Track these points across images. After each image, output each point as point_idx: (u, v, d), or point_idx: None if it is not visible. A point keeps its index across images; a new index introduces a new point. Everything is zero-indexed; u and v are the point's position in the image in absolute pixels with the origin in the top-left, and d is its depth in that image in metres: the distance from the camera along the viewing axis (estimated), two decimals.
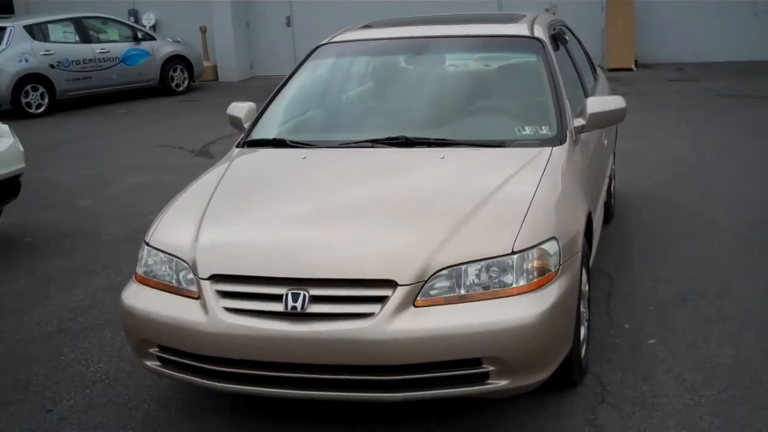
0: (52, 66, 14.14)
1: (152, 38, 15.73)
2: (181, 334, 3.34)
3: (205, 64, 17.19)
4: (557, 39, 5.12)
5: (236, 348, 3.23)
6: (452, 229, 3.37)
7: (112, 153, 10.69)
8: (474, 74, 5.07)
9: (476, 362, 3.17)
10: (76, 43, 14.62)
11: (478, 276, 3.24)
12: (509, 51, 4.97)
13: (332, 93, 5.02)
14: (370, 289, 3.19)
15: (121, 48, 15.13)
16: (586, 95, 5.24)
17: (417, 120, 4.57)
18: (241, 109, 4.85)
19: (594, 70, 6.32)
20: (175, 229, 3.70)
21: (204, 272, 3.37)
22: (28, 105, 13.89)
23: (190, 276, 3.41)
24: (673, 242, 5.85)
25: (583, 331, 3.83)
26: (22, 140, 6.67)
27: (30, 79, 13.87)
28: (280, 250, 3.39)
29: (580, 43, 6.07)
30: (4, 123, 6.63)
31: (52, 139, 11.73)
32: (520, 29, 4.95)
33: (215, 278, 3.35)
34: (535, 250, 3.32)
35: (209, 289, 3.33)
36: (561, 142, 4.16)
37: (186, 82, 16.09)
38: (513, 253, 3.27)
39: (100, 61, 14.82)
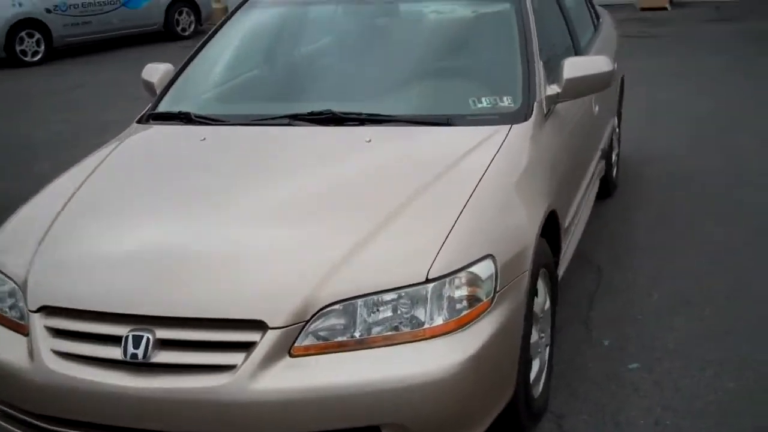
0: (48, 10, 13.42)
1: None
2: (3, 381, 2.62)
3: (215, 5, 16.31)
4: None
5: (60, 405, 2.50)
6: (352, 248, 2.57)
7: (99, 106, 9.96)
8: (427, 30, 4.13)
9: (373, 431, 2.41)
10: None
11: (379, 312, 2.46)
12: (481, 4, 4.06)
13: (254, 55, 4.19)
14: (234, 332, 2.43)
15: None
16: (578, 52, 4.36)
17: (351, 88, 3.73)
18: (155, 72, 4.06)
19: (595, 17, 5.39)
20: (18, 240, 2.96)
21: (33, 302, 2.63)
22: (23, 53, 13.22)
23: (22, 304, 2.68)
24: (684, 225, 4.97)
25: (536, 364, 3.03)
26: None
27: (24, 24, 13.17)
28: (127, 276, 2.62)
29: None
30: None
31: (40, 90, 11.04)
32: None
33: (46, 310, 2.61)
34: (461, 275, 2.52)
35: (37, 324, 2.59)
36: (525, 117, 3.31)
37: (192, 26, 15.30)
38: (428, 281, 2.48)
39: (101, 5, 14.07)
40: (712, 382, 3.32)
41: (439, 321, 2.47)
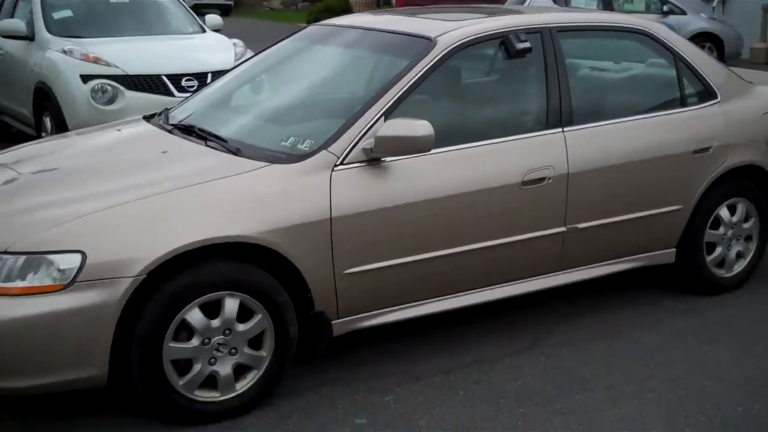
0: None
1: (682, 12, 14.83)
2: None
3: (758, 45, 15.51)
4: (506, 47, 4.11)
5: None
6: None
7: None
8: (328, 66, 4.49)
9: None
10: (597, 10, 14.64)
11: None
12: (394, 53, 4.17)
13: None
14: None
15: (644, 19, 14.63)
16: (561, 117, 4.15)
17: (229, 110, 4.41)
18: None
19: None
20: None
21: None
22: None
23: None
24: None
25: (198, 368, 3.39)
26: None
27: None
28: None
29: None
30: None
31: None
32: (421, 26, 4.20)
33: None
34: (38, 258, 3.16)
35: None
36: (299, 160, 3.58)
37: None
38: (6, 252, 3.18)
39: None
40: None
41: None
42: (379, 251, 3.69)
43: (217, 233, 3.34)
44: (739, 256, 4.79)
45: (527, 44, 4.10)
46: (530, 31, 4.19)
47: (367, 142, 3.63)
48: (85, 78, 7.12)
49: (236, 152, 3.73)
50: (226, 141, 3.87)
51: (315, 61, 4.56)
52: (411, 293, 3.86)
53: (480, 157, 3.92)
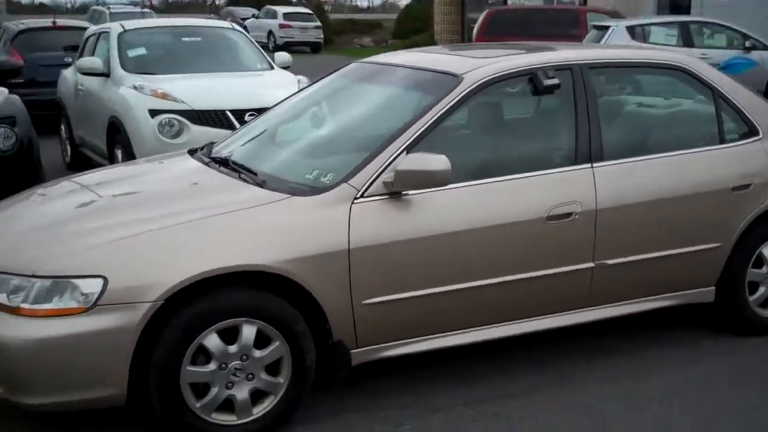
0: None
1: (765, 47, 14.49)
2: None
3: None
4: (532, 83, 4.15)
5: None
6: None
7: None
8: (359, 104, 4.57)
9: None
10: (677, 46, 14.44)
11: None
12: (423, 89, 4.24)
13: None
14: None
15: (725, 54, 14.36)
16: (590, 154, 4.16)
17: (267, 145, 4.53)
18: None
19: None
20: None
21: None
22: None
23: None
24: None
25: (216, 392, 3.50)
26: None
27: None
28: None
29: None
30: None
31: None
32: (451, 63, 4.27)
33: None
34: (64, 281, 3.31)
35: None
36: (318, 192, 3.69)
37: None
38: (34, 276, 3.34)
39: None
40: None
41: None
42: (399, 283, 3.74)
43: (235, 262, 3.46)
44: None
45: (555, 81, 4.11)
46: (560, 68, 4.20)
47: (388, 176, 3.70)
48: (153, 113, 7.40)
49: (262, 184, 3.85)
50: (256, 174, 4.00)
51: (350, 97, 4.69)
52: (431, 325, 3.89)
53: (503, 192, 3.95)
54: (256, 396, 3.59)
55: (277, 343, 3.56)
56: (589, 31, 14.94)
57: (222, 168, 4.20)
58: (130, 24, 8.99)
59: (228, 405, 3.55)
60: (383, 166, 3.73)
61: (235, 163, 4.21)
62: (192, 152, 4.70)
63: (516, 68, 4.16)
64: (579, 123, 4.16)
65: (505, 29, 16.99)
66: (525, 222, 3.93)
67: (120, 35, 8.56)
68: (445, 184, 3.70)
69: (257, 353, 3.54)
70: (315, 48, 33.08)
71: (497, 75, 4.09)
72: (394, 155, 3.75)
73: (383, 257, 3.69)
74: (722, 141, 4.50)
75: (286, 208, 3.65)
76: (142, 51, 8.46)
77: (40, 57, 12.17)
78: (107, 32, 8.81)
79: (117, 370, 3.36)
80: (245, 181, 3.95)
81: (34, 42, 12.90)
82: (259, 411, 3.58)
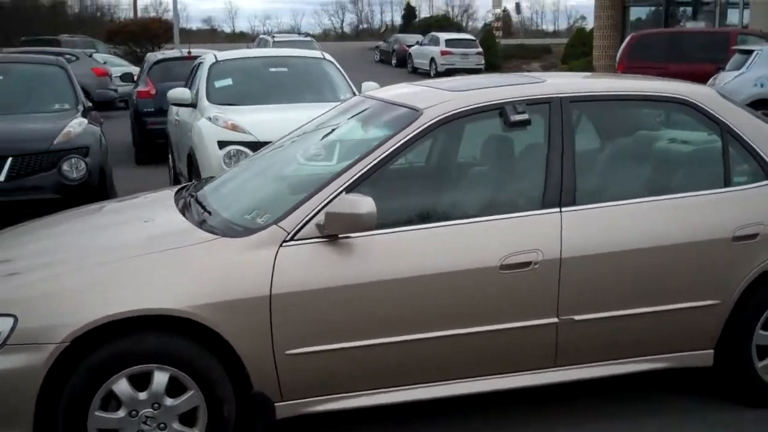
0: None
1: None
2: None
3: None
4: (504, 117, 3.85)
5: None
6: None
7: None
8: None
9: None
10: None
11: None
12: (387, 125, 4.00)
13: None
14: None
15: None
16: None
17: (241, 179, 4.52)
18: None
19: None
20: None
21: None
22: None
23: None
24: None
25: None
26: None
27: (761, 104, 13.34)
28: None
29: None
30: None
31: None
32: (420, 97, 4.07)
33: None
34: None
35: None
36: (250, 233, 3.57)
37: None
38: None
39: None
40: None
41: None
42: (328, 333, 3.55)
43: (139, 306, 3.39)
44: None
45: (524, 116, 3.80)
46: (536, 102, 3.88)
47: (321, 218, 3.52)
48: (222, 144, 7.51)
49: (201, 224, 3.77)
50: (210, 213, 3.92)
51: (329, 132, 4.52)
52: (367, 380, 3.66)
53: (453, 237, 3.68)
54: None
55: (192, 392, 3.46)
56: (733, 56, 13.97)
57: (186, 206, 4.15)
58: (223, 55, 9.20)
59: None
60: (318, 208, 3.56)
61: (198, 202, 4.15)
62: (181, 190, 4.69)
63: (482, 103, 3.88)
64: (550, 163, 3.82)
65: (649, 54, 16.26)
66: (474, 271, 3.64)
67: (212, 66, 8.79)
68: (370, 228, 3.48)
69: (169, 401, 3.45)
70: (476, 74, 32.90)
71: (459, 110, 3.83)
72: (332, 196, 3.57)
73: (310, 305, 3.51)
74: (727, 183, 3.99)
75: (208, 250, 3.55)
76: (228, 82, 8.64)
77: (168, 87, 12.74)
78: (203, 62, 9.07)
79: (23, 411, 3.35)
80: (190, 221, 3.88)
81: (168, 72, 13.51)
82: None
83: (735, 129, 4.02)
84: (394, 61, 37.95)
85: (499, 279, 3.65)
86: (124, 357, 3.39)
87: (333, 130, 4.51)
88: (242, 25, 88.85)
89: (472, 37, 35.58)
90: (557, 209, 3.76)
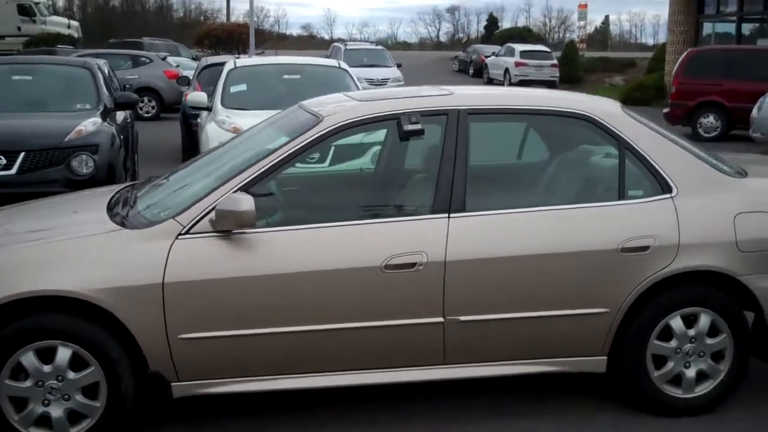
0: None
1: None
2: None
3: None
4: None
5: None
6: None
7: None
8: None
9: None
10: None
11: None
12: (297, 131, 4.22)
13: None
14: None
15: None
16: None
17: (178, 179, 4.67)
18: None
19: None
20: None
21: None
22: None
23: None
24: None
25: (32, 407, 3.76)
26: None
27: None
28: None
29: None
30: None
31: None
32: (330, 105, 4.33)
33: None
34: None
35: None
36: (148, 226, 3.88)
37: None
38: None
39: None
40: None
41: None
42: (218, 321, 3.81)
43: (49, 286, 3.72)
44: (704, 375, 4.13)
45: (418, 126, 4.00)
46: (433, 113, 4.08)
47: (213, 214, 3.80)
48: None
49: (113, 217, 4.10)
50: (131, 207, 4.24)
51: (259, 134, 4.76)
52: (259, 366, 3.91)
53: (340, 237, 3.90)
54: (74, 417, 3.81)
55: (92, 368, 3.77)
56: None
57: (118, 200, 4.47)
58: (242, 61, 9.58)
59: (46, 422, 3.79)
60: (212, 205, 3.83)
61: (133, 197, 4.46)
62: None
63: (379, 112, 4.10)
64: (442, 171, 4.01)
65: (706, 70, 16.02)
66: (358, 269, 3.86)
67: (230, 71, 9.20)
68: (251, 225, 3.75)
69: (72, 375, 3.77)
70: (550, 86, 32.70)
71: (357, 119, 4.06)
72: (226, 194, 3.84)
73: (202, 294, 3.78)
74: (621, 197, 4.10)
75: (112, 239, 3.86)
76: (242, 87, 9.02)
77: (211, 91, 13.24)
78: (223, 68, 9.46)
79: None
80: (108, 214, 4.19)
81: (216, 76, 13.89)
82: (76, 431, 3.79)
83: (633, 144, 4.13)
84: (471, 71, 38.10)
85: (382, 278, 3.85)
86: (31, 332, 3.72)
87: (259, 134, 4.76)
88: (340, 32, 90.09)
89: (548, 49, 35.37)
90: (446, 215, 3.95)
